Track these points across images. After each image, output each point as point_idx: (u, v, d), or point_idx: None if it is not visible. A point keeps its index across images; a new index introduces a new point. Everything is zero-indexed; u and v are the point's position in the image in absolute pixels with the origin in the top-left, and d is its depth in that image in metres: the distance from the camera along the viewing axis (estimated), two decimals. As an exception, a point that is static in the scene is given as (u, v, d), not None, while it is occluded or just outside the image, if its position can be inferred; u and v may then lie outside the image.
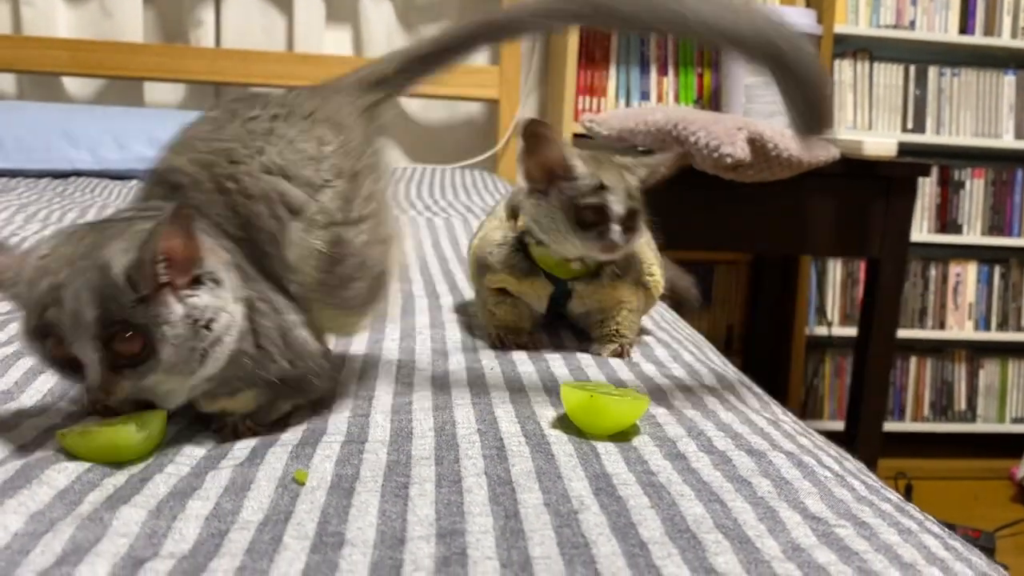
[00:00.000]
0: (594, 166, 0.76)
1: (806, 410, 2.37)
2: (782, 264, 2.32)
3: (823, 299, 2.37)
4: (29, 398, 0.63)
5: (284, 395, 0.59)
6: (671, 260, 1.00)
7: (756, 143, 1.62)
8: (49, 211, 1.34)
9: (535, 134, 0.74)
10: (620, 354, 0.80)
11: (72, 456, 0.53)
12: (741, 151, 1.59)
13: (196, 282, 0.53)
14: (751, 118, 1.87)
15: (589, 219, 0.74)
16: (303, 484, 0.51)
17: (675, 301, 1.05)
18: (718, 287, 2.37)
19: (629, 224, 0.76)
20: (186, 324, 0.52)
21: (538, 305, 0.82)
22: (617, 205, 0.74)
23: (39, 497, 0.47)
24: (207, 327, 0.53)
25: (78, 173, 1.72)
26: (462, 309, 0.92)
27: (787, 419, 0.72)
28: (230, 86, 2.15)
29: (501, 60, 2.15)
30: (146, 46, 2.03)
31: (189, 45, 2.09)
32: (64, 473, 0.50)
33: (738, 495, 0.51)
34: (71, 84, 2.13)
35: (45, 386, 0.65)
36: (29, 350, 0.52)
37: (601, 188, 0.74)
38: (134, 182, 1.70)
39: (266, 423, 0.59)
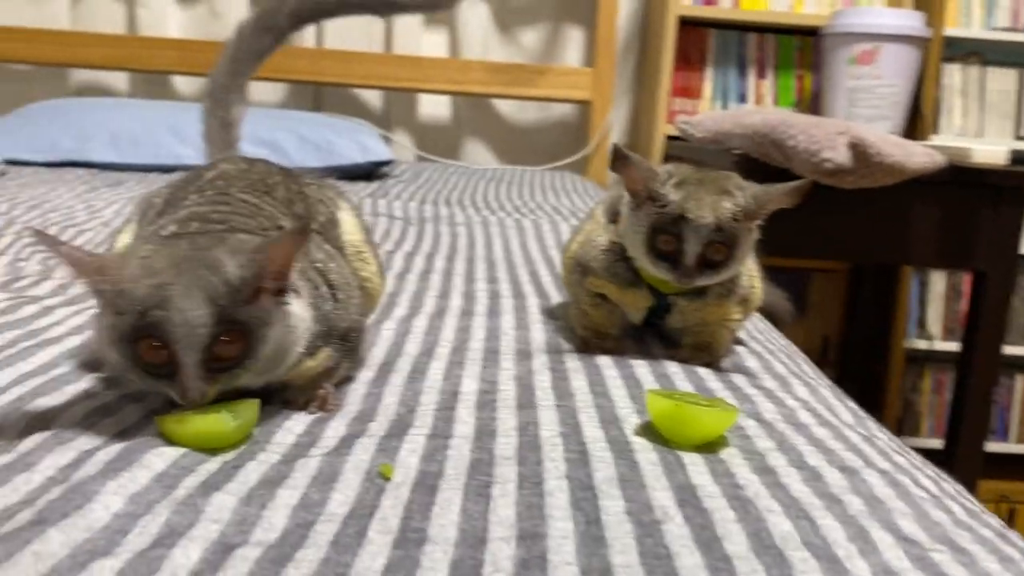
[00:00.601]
0: (688, 191, 0.73)
1: (903, 426, 2.29)
2: (882, 274, 2.24)
3: (924, 311, 2.28)
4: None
5: (346, 354, 0.63)
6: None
7: (858, 148, 1.57)
8: (156, 204, 1.40)
9: (620, 156, 0.74)
10: (709, 365, 0.79)
11: (169, 441, 0.55)
12: (842, 156, 1.55)
13: (281, 292, 0.55)
14: (853, 122, 1.81)
15: (664, 248, 0.73)
16: (388, 479, 0.51)
17: (769, 316, 1.02)
18: (814, 296, 2.31)
19: (714, 257, 0.73)
20: (280, 328, 0.54)
21: (635, 316, 0.81)
22: (694, 241, 0.72)
23: (139, 479, 0.49)
24: (292, 332, 0.55)
25: (184, 167, 1.78)
26: (548, 312, 0.92)
27: (882, 436, 0.69)
28: (330, 86, 2.21)
29: (595, 62, 2.15)
30: (251, 46, 2.09)
31: (291, 46, 2.15)
32: (162, 457, 0.52)
33: (828, 513, 0.50)
34: (180, 82, 2.22)
35: (147, 373, 0.67)
36: (116, 353, 0.52)
37: (681, 219, 0.72)
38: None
39: (332, 384, 0.63)
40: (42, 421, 0.57)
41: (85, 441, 0.54)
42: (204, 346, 0.52)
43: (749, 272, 0.83)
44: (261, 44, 0.82)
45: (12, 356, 0.67)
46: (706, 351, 0.80)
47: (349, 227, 0.71)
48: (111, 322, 0.52)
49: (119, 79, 2.22)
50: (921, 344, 2.27)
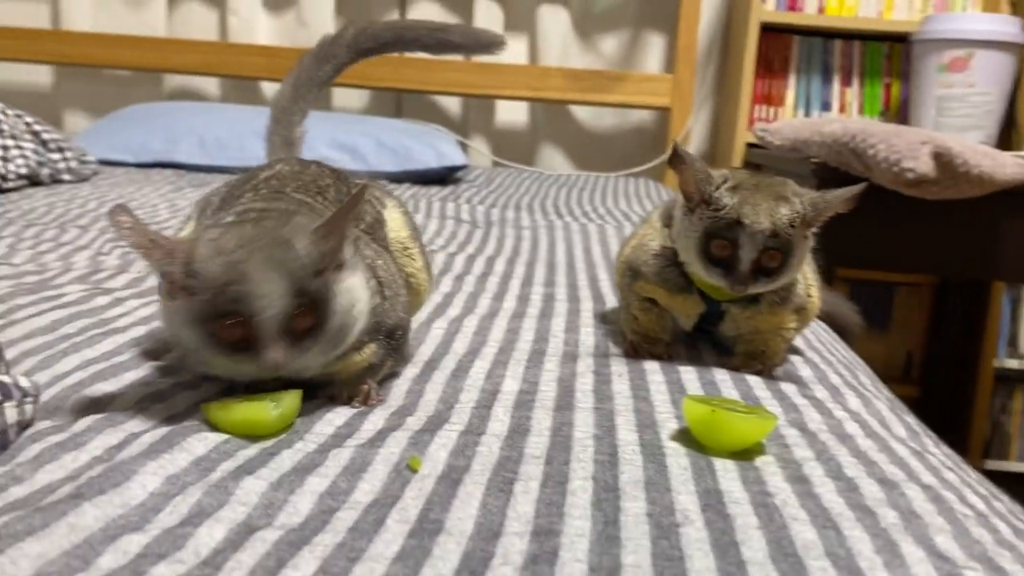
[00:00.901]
0: (744, 195, 0.72)
1: (990, 449, 2.19)
2: (970, 289, 2.15)
3: (1016, 329, 2.18)
4: (189, 373, 0.68)
5: (391, 351, 0.65)
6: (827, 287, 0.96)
7: (943, 158, 1.52)
8: (235, 204, 1.45)
9: (678, 156, 0.73)
10: (760, 373, 0.77)
11: (213, 427, 0.57)
12: (924, 166, 1.50)
13: (339, 266, 0.57)
14: (942, 132, 1.75)
15: (718, 253, 0.72)
16: (416, 471, 0.52)
17: (837, 327, 0.99)
18: (898, 310, 2.24)
19: (769, 264, 0.72)
20: (345, 300, 0.56)
21: (685, 323, 0.81)
22: (749, 247, 0.71)
23: (177, 462, 0.51)
24: (355, 306, 0.57)
25: (266, 170, 1.85)
26: (601, 316, 0.92)
27: (937, 452, 0.67)
28: (411, 93, 2.25)
29: (675, 68, 2.13)
30: (336, 51, 2.15)
31: (374, 52, 2.20)
32: (203, 442, 0.54)
33: (858, 524, 0.48)
34: (268, 88, 2.29)
35: (203, 363, 0.70)
36: (191, 333, 0.54)
37: (736, 224, 0.71)
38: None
39: (377, 379, 0.64)
40: (97, 405, 0.60)
41: (134, 424, 0.57)
42: (283, 317, 0.54)
43: (806, 280, 0.81)
44: (321, 72, 0.87)
45: (79, 343, 0.71)
46: (759, 359, 0.78)
47: (396, 224, 0.73)
48: (184, 304, 0.54)
49: (210, 84, 2.31)
50: (1012, 363, 2.17)
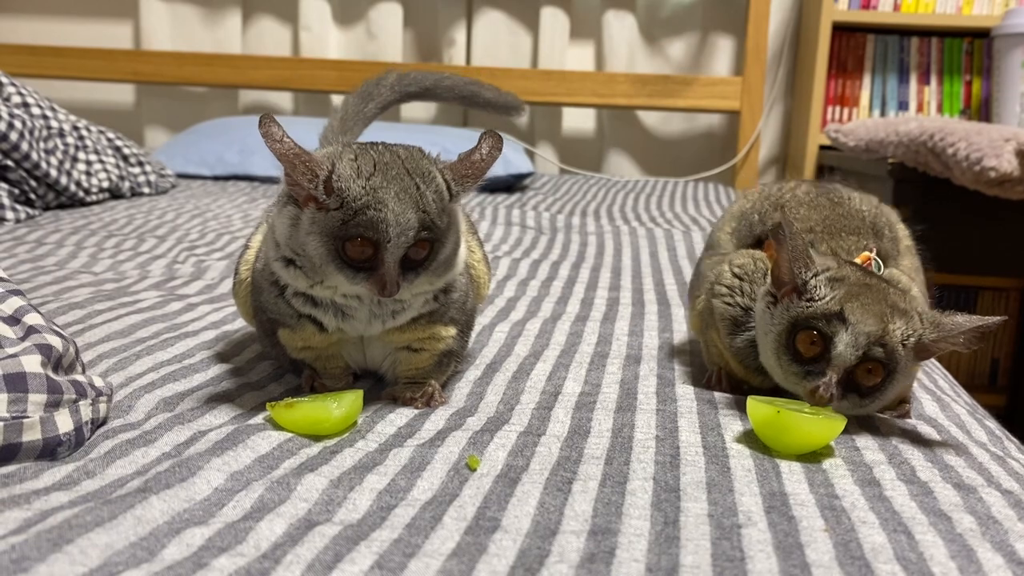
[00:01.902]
0: (852, 291, 0.59)
1: (1085, 460, 2.08)
2: (1061, 293, 2.06)
3: (1112, 335, 2.08)
4: (256, 374, 0.70)
5: (462, 344, 0.67)
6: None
7: (1026, 156, 1.46)
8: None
9: (778, 231, 0.62)
10: (905, 414, 0.66)
11: (278, 426, 0.58)
12: (1008, 164, 1.44)
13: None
14: (1025, 129, 1.68)
15: (804, 351, 0.60)
16: (474, 470, 0.52)
17: None
18: (982, 315, 2.15)
19: (864, 381, 0.59)
20: (454, 238, 0.59)
21: (762, 383, 0.67)
22: (847, 347, 0.58)
23: (241, 459, 0.52)
24: (459, 245, 0.60)
25: (336, 181, 1.88)
26: (666, 320, 0.91)
27: (1021, 457, 0.64)
28: (477, 101, 2.27)
29: (744, 70, 2.10)
30: (404, 65, 2.18)
31: (443, 63, 2.22)
32: (268, 441, 0.55)
33: (931, 529, 0.47)
34: (339, 101, 2.33)
35: (271, 366, 0.71)
36: (317, 245, 0.55)
37: (838, 319, 0.58)
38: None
39: (441, 381, 0.66)
40: (168, 404, 0.62)
41: (202, 423, 0.58)
42: (407, 248, 0.56)
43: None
44: (367, 109, 0.90)
45: (153, 346, 0.73)
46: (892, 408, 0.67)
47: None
48: (318, 216, 0.56)
49: (284, 98, 2.36)
50: (1107, 371, 2.06)
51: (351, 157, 0.56)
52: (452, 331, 0.64)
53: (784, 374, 0.61)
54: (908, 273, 0.70)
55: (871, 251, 0.68)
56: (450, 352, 0.65)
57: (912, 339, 0.59)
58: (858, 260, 0.66)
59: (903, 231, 0.75)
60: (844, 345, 0.58)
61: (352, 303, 0.60)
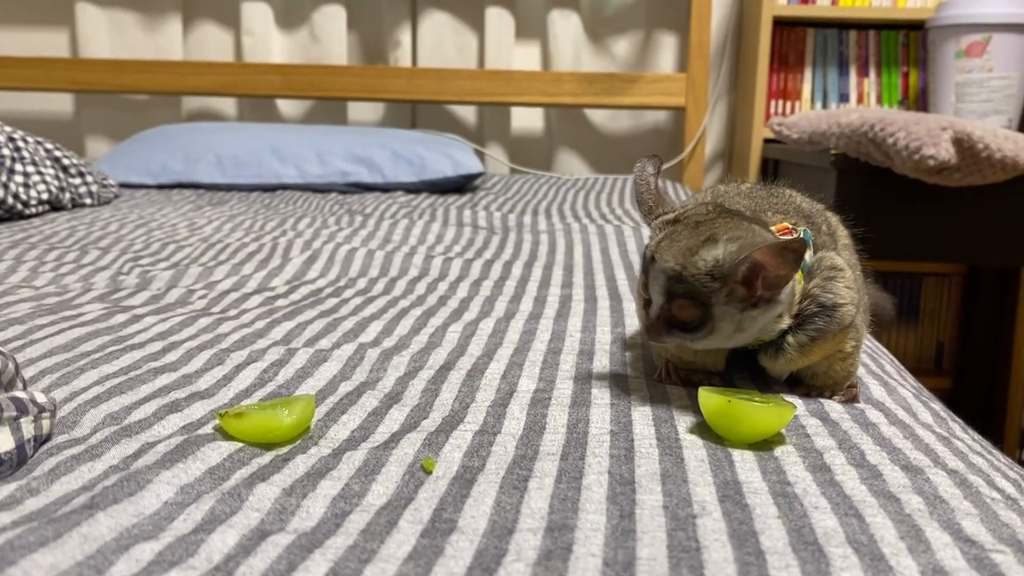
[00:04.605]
0: (676, 231, 0.61)
1: (1028, 438, 2.15)
2: (1000, 276, 2.12)
3: (1050, 316, 2.14)
4: (205, 382, 0.68)
5: None
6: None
7: (963, 143, 1.50)
8: (254, 221, 1.46)
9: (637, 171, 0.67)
10: (852, 399, 0.67)
11: (229, 436, 0.57)
12: (945, 152, 1.48)
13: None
14: (962, 118, 1.72)
15: (642, 295, 0.64)
16: (430, 472, 0.52)
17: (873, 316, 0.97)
18: (926, 301, 2.20)
19: (681, 315, 0.60)
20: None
21: (713, 364, 0.69)
22: (653, 290, 0.61)
23: (191, 471, 0.51)
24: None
25: (284, 187, 1.86)
26: (618, 315, 0.91)
27: (965, 437, 0.65)
28: (425, 103, 2.26)
29: (689, 67, 2.12)
30: (349, 68, 2.16)
31: (388, 66, 2.21)
32: (218, 451, 0.54)
33: (881, 511, 0.47)
34: (284, 106, 2.31)
35: (221, 373, 0.70)
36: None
37: (651, 261, 0.61)
38: (333, 195, 1.82)
39: None
40: (114, 417, 0.60)
41: (149, 435, 0.57)
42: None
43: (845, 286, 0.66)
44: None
45: (97, 359, 0.71)
46: (828, 390, 0.68)
47: None
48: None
49: (228, 104, 2.33)
50: (1047, 351, 2.12)
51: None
52: None
53: (640, 321, 0.66)
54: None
55: (792, 224, 0.67)
56: None
57: (715, 267, 0.58)
58: (774, 228, 0.65)
59: (843, 232, 0.75)
60: (653, 289, 0.61)
61: None
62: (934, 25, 1.91)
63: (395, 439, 0.57)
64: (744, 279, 0.59)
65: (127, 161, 1.88)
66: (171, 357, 0.73)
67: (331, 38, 2.21)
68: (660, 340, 0.62)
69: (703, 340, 0.62)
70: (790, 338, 0.65)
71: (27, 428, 0.53)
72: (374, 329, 0.84)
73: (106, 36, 2.24)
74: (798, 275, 0.64)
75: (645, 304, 0.63)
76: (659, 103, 2.15)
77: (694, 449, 0.56)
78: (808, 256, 0.66)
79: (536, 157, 2.33)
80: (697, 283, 0.59)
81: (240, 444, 0.56)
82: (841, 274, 0.65)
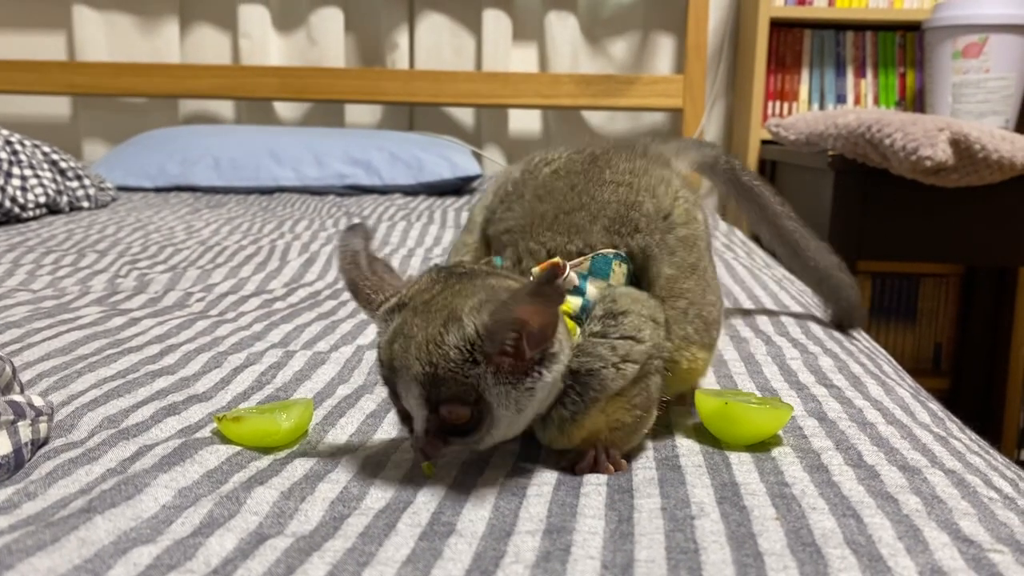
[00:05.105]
0: (395, 330, 0.48)
1: (1025, 438, 2.15)
2: (997, 277, 2.12)
3: (1047, 316, 2.14)
4: (203, 385, 0.68)
5: None
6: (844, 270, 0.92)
7: (960, 144, 1.50)
8: (252, 223, 1.46)
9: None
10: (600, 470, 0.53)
11: (227, 440, 0.57)
12: (942, 153, 1.48)
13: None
14: (959, 119, 1.73)
15: (397, 405, 0.52)
16: (429, 476, 0.52)
17: (842, 313, 0.95)
18: (924, 302, 2.20)
19: (455, 422, 0.48)
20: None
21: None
22: (411, 403, 0.48)
23: (189, 474, 0.51)
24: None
25: (281, 189, 1.86)
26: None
27: (963, 436, 0.66)
28: (423, 106, 2.26)
29: (686, 68, 2.12)
30: (346, 70, 2.16)
31: (385, 68, 2.21)
32: (216, 455, 0.54)
33: (879, 511, 0.47)
34: (281, 108, 2.31)
35: (219, 376, 0.70)
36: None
37: (388, 368, 0.49)
38: (331, 197, 1.82)
39: None
40: (113, 421, 0.60)
41: (148, 437, 0.57)
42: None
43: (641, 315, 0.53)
44: None
45: (95, 363, 0.71)
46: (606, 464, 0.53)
47: None
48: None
49: (225, 107, 2.33)
50: (1044, 351, 2.13)
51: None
52: None
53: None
54: (668, 282, 0.56)
55: (579, 248, 0.55)
56: None
57: (473, 350, 0.46)
58: (536, 269, 0.54)
59: (696, 222, 0.59)
60: (406, 400, 0.48)
61: None
62: (931, 26, 1.91)
63: (394, 443, 0.57)
64: (511, 347, 0.46)
65: (124, 164, 1.88)
66: (169, 360, 0.73)
67: (328, 40, 2.21)
68: (439, 456, 0.49)
69: (487, 438, 0.49)
70: (554, 412, 0.51)
71: (24, 432, 0.53)
72: (372, 331, 0.84)
73: (103, 39, 2.24)
74: (569, 324, 0.52)
75: (404, 418, 0.50)
76: (656, 105, 2.15)
77: (691, 453, 0.56)
78: (591, 291, 0.53)
79: (534, 159, 2.33)
80: (459, 377, 0.46)
81: (238, 447, 0.56)
82: (615, 326, 0.51)
